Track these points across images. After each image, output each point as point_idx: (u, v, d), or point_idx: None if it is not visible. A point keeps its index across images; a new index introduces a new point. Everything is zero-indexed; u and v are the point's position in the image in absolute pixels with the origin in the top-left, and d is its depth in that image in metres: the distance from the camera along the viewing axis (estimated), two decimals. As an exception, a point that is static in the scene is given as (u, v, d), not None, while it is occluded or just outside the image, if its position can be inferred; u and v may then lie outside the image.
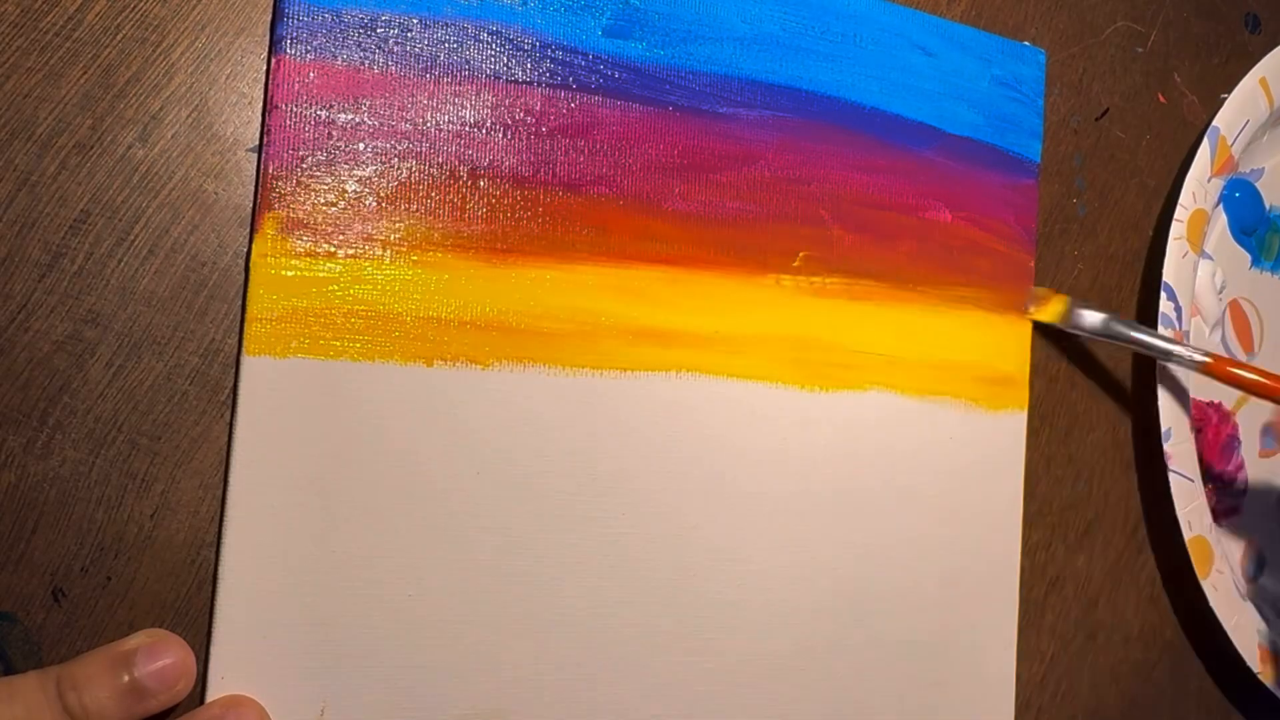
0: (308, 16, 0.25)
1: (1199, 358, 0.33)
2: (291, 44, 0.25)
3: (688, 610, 0.28)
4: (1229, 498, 0.42)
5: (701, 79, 0.30)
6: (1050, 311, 0.34)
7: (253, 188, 0.25)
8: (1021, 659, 0.34)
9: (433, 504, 0.26)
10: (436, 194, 0.26)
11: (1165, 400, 0.35)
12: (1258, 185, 0.44)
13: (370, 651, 0.25)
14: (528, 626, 0.26)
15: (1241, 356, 0.43)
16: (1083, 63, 0.38)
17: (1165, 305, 0.36)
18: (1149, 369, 0.37)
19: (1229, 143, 0.38)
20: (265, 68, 0.26)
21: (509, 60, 0.27)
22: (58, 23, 0.24)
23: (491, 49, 0.27)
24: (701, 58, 0.30)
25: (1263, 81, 0.39)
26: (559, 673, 0.27)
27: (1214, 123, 0.37)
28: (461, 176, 0.27)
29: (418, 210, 0.26)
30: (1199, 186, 0.37)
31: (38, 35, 0.24)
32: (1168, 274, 0.36)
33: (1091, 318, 0.34)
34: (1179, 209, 0.36)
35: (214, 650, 0.24)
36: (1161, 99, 0.40)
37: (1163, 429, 0.35)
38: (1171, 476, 0.35)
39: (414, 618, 0.25)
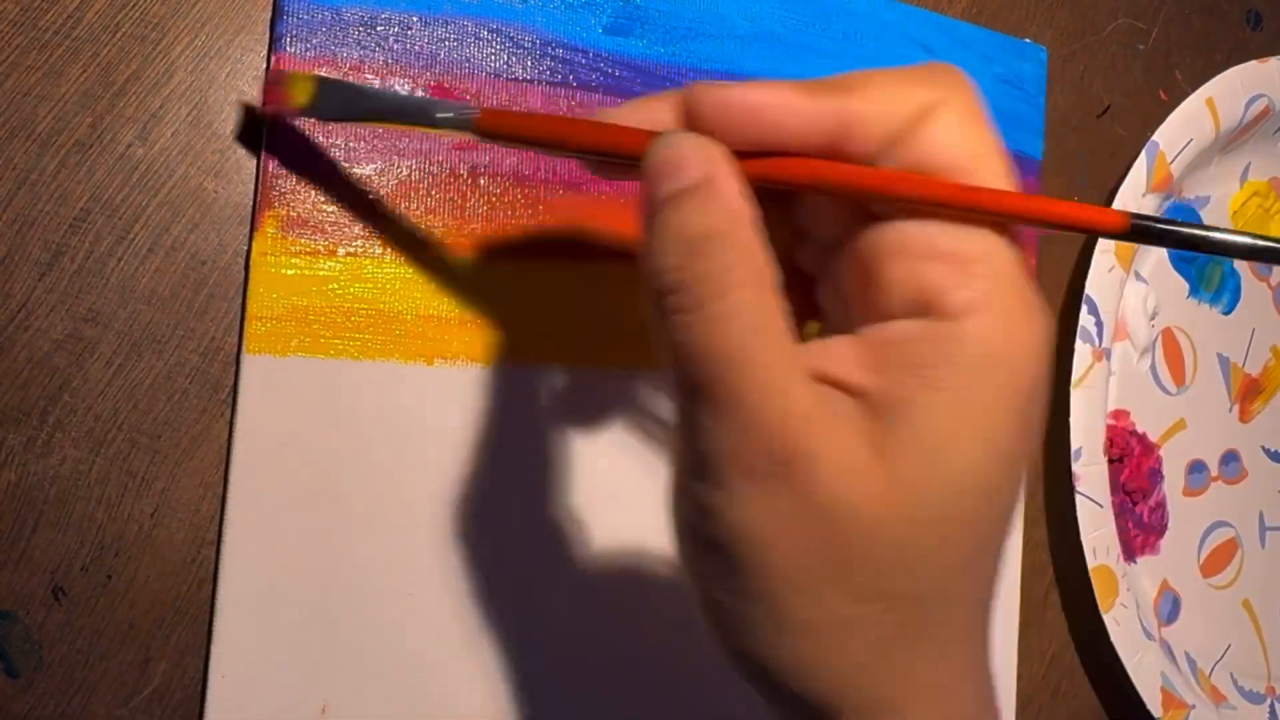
0: (307, 14, 0.25)
1: (467, 115, 0.21)
2: (291, 42, 0.25)
3: (690, 611, 0.28)
4: (1147, 534, 0.39)
5: (703, 77, 0.29)
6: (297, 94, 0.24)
7: (252, 186, 0.25)
8: (1022, 658, 0.34)
9: (433, 502, 0.26)
10: (437, 192, 0.26)
11: (1079, 417, 0.34)
12: (1202, 214, 0.41)
13: (370, 651, 0.25)
14: (528, 626, 0.26)
15: (1171, 388, 0.40)
16: (1084, 60, 0.38)
17: (1085, 319, 0.34)
18: (1064, 381, 0.35)
19: (1168, 159, 0.36)
20: (265, 66, 0.26)
21: (509, 58, 0.27)
22: (57, 21, 0.24)
23: (492, 47, 0.27)
24: (703, 55, 0.30)
25: (1209, 102, 0.37)
26: (559, 672, 0.27)
27: (1153, 137, 0.36)
28: (462, 175, 0.27)
29: (418, 208, 0.26)
30: (1133, 200, 0.36)
31: (37, 33, 0.24)
32: (1090, 287, 0.34)
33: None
34: None
35: (214, 650, 0.24)
36: (1163, 96, 0.40)
37: (1072, 448, 0.34)
38: (1078, 499, 0.34)
39: (414, 618, 0.25)
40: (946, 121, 0.18)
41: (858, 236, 0.19)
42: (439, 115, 0.22)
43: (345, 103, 0.23)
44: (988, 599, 0.19)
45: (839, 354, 0.18)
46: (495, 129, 0.21)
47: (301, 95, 0.23)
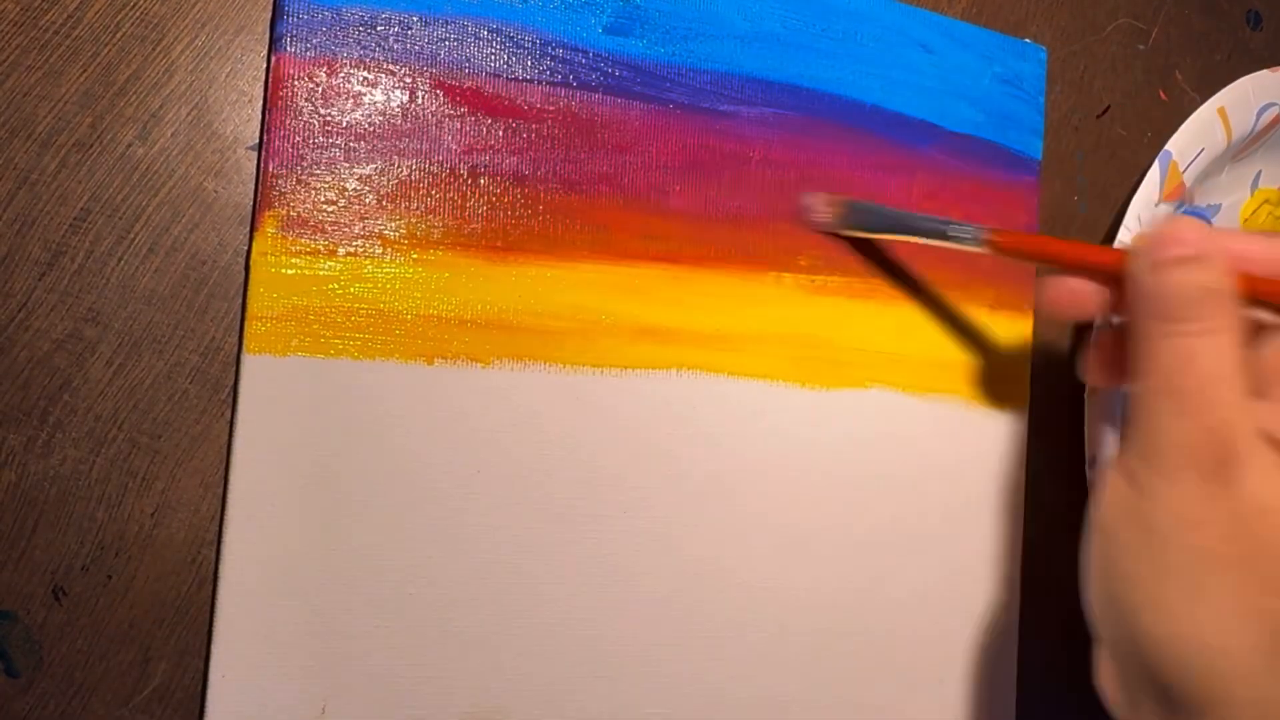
0: (308, 14, 0.25)
1: (981, 235, 0.28)
2: (291, 41, 0.25)
3: (688, 609, 0.28)
4: None
5: (702, 77, 0.29)
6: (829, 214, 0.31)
7: (253, 186, 0.25)
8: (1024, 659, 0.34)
9: (433, 502, 0.26)
10: (437, 192, 0.26)
11: (1093, 425, 0.33)
12: (1213, 221, 0.41)
13: (370, 651, 0.25)
14: (528, 625, 0.26)
15: None
16: (1084, 60, 0.38)
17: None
18: (1079, 388, 0.34)
19: (1180, 169, 0.36)
20: (265, 65, 0.26)
21: (509, 58, 0.27)
22: (57, 21, 0.24)
23: (492, 46, 0.27)
24: (702, 55, 0.30)
25: (1221, 111, 0.37)
26: (559, 672, 0.27)
27: (1166, 147, 0.36)
28: (462, 174, 0.27)
29: (418, 208, 0.26)
30: (1145, 210, 0.35)
31: (37, 33, 0.24)
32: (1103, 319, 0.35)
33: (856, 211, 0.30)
34: (1122, 231, 0.34)
35: (214, 650, 0.24)
36: (1163, 96, 0.40)
37: (1088, 456, 0.34)
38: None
39: (414, 617, 0.25)
40: None
41: None
42: (950, 233, 0.28)
43: (872, 219, 0.30)
44: None
45: (1269, 413, 0.23)
46: (1005, 248, 0.28)
47: (840, 215, 0.30)
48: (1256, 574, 0.21)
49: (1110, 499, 0.23)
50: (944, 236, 0.29)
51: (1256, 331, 0.25)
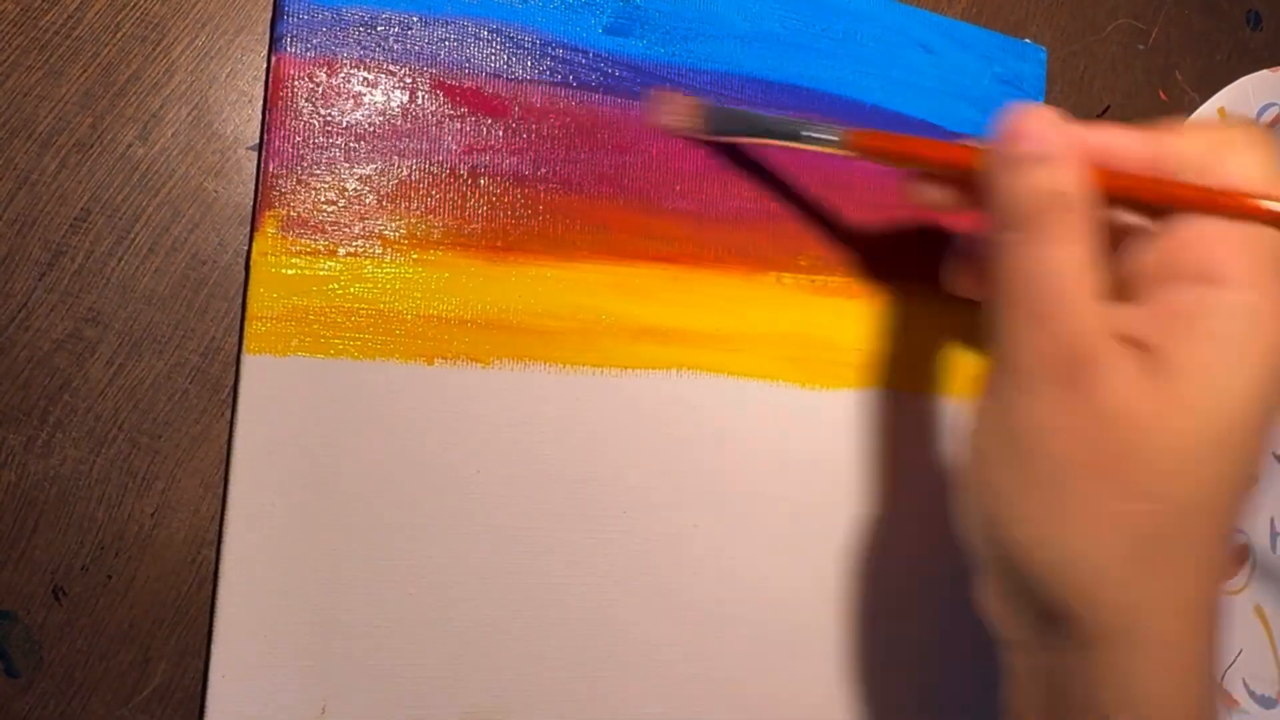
0: (308, 14, 0.25)
1: (830, 136, 0.27)
2: (292, 42, 0.25)
3: (687, 608, 0.28)
4: None
5: (702, 77, 0.29)
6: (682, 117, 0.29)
7: (253, 186, 0.25)
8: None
9: (433, 502, 0.26)
10: (437, 192, 0.26)
11: None
12: None
13: (370, 651, 0.25)
14: (528, 626, 0.26)
15: None
16: (1084, 60, 0.38)
17: None
18: None
19: None
20: (265, 66, 0.26)
21: (509, 58, 0.27)
22: (58, 21, 0.24)
23: (492, 47, 0.27)
24: (702, 55, 0.30)
25: (1221, 110, 0.37)
26: (559, 672, 0.27)
27: None
28: (462, 175, 0.27)
29: (418, 208, 0.26)
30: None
31: (38, 33, 0.24)
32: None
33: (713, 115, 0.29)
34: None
35: (214, 650, 0.24)
36: (1163, 96, 0.40)
37: None
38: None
39: (414, 617, 0.25)
40: (1242, 156, 0.22)
41: (1161, 227, 0.23)
42: (804, 134, 0.27)
43: (726, 122, 0.28)
44: (1228, 535, 0.21)
45: (1128, 316, 0.22)
46: (861, 146, 0.26)
47: (692, 118, 0.28)
48: (1117, 479, 0.20)
49: (978, 414, 0.23)
50: (798, 138, 0.27)
51: (1119, 231, 0.24)
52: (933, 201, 0.27)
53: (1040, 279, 0.21)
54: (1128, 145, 0.23)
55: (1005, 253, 0.22)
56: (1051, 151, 0.22)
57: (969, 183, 0.25)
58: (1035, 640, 0.22)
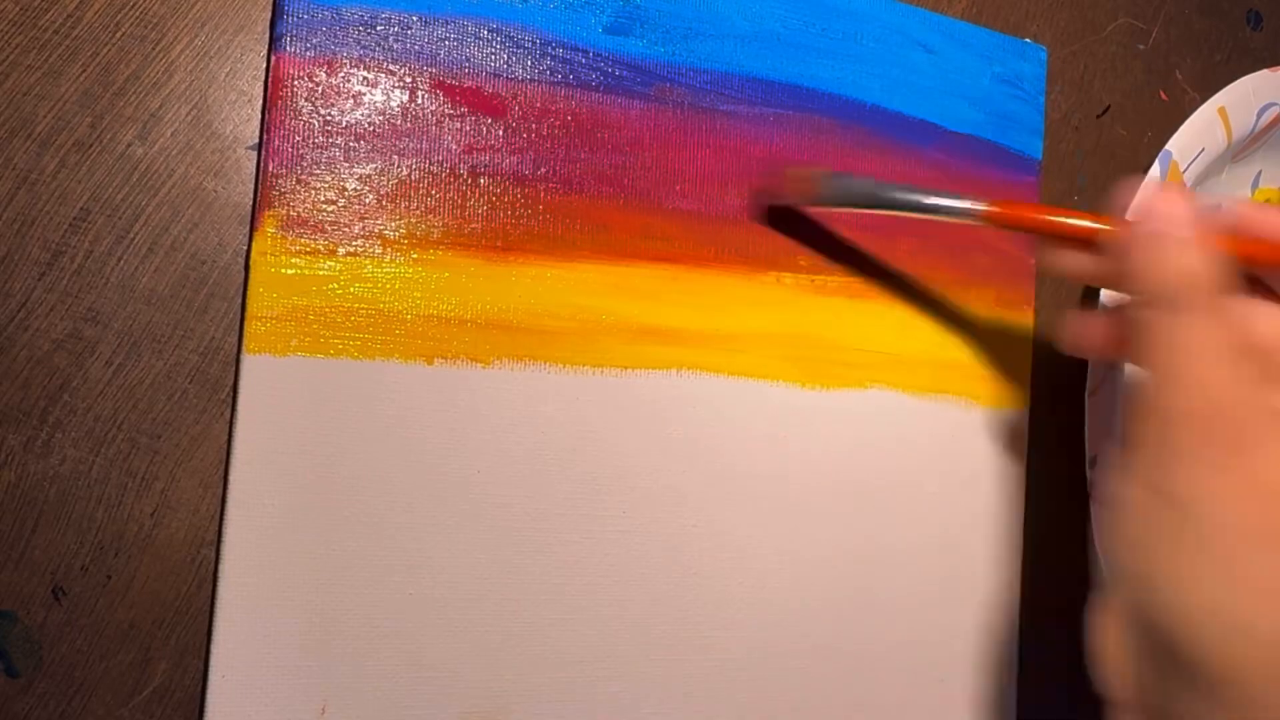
0: (308, 14, 0.25)
1: (979, 207, 0.28)
2: (291, 41, 0.25)
3: (688, 609, 0.28)
4: None
5: (702, 76, 0.29)
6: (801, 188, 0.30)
7: (252, 185, 0.25)
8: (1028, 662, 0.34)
9: (433, 502, 0.26)
10: (437, 192, 0.26)
11: (1093, 425, 0.33)
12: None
13: (370, 651, 0.25)
14: (528, 625, 0.26)
15: None
16: (1084, 60, 0.38)
17: None
18: (1079, 388, 0.34)
19: (1181, 169, 0.36)
20: (265, 65, 0.26)
21: (509, 58, 0.27)
22: (57, 20, 0.24)
23: (492, 46, 0.27)
24: (702, 55, 0.30)
25: (1221, 110, 0.37)
26: (559, 672, 0.27)
27: (1167, 146, 0.36)
28: (462, 174, 0.27)
29: (418, 208, 0.26)
30: None
31: (37, 33, 0.24)
32: (1105, 294, 0.34)
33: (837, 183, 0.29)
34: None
35: (214, 650, 0.24)
36: (1163, 96, 0.40)
37: (1088, 456, 0.33)
38: (1093, 506, 0.33)
39: (414, 618, 0.25)
40: None
41: None
42: (944, 205, 0.28)
43: (847, 192, 0.29)
44: None
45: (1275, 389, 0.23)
46: (1001, 220, 0.27)
47: (813, 189, 0.29)
48: None
49: (1127, 472, 0.23)
50: (937, 210, 0.28)
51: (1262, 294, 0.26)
52: (1066, 269, 0.28)
53: (1183, 350, 0.22)
54: (1265, 220, 0.25)
55: (1146, 325, 0.23)
56: (1184, 231, 0.23)
57: (1100, 250, 0.26)
58: (1156, 700, 0.22)
